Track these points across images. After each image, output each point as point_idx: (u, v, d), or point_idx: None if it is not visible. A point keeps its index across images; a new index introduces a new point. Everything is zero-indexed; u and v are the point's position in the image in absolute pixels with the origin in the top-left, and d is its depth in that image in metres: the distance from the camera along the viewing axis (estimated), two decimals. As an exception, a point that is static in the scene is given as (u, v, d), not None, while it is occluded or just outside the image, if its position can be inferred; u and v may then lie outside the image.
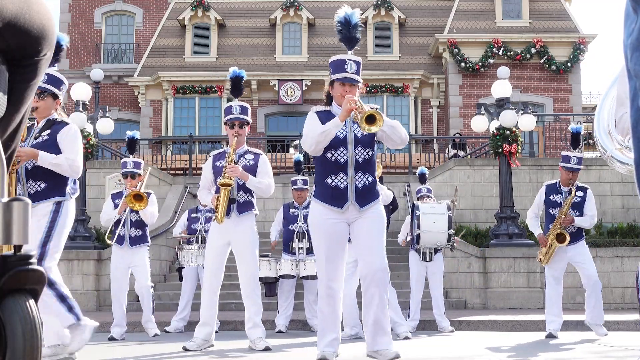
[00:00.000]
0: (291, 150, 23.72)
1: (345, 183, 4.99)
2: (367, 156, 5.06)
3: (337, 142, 5.03)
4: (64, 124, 5.03)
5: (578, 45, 24.32)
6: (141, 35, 27.75)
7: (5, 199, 1.45)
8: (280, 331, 9.04)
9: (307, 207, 9.25)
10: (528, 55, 24.33)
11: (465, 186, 16.30)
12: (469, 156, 19.45)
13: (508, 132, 13.56)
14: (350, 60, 5.07)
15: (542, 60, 24.36)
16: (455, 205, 9.95)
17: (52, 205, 4.87)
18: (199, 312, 6.56)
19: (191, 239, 9.25)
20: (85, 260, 13.18)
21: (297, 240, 9.09)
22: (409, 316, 9.24)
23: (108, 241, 8.20)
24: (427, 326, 9.54)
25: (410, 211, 9.40)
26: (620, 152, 4.42)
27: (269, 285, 9.06)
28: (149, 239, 8.40)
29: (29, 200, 1.48)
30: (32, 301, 1.47)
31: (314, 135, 4.87)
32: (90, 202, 15.18)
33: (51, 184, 4.91)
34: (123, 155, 20.06)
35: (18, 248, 1.46)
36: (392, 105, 25.42)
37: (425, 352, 6.41)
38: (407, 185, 16.73)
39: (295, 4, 26.71)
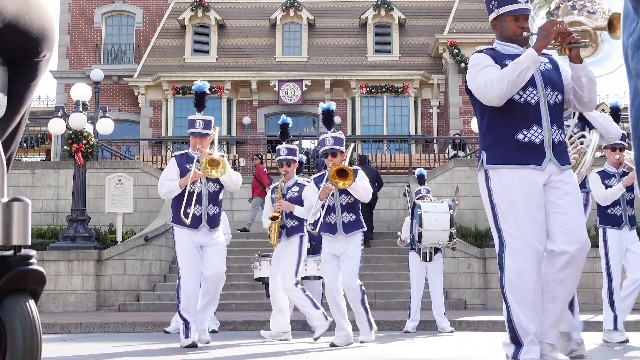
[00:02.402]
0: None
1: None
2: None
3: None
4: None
5: (578, 45, 24.34)
6: (141, 36, 27.75)
7: (5, 199, 1.46)
8: (280, 331, 9.04)
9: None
10: (528, 56, 24.35)
11: (465, 186, 16.29)
12: (469, 156, 19.45)
13: (508, 132, 13.56)
14: None
15: (542, 61, 24.38)
16: (457, 204, 9.94)
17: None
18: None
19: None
20: (85, 261, 13.17)
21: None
22: (409, 316, 9.24)
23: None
24: (427, 326, 9.53)
25: (410, 211, 9.39)
26: None
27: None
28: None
29: (28, 201, 1.48)
30: (32, 301, 1.47)
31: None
32: (90, 203, 15.18)
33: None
34: (123, 155, 20.07)
35: (18, 248, 1.46)
36: (392, 105, 25.42)
37: (425, 352, 6.41)
38: (407, 186, 16.73)
39: (295, 4, 26.72)
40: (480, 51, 4.13)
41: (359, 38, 26.95)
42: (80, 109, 13.57)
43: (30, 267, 1.46)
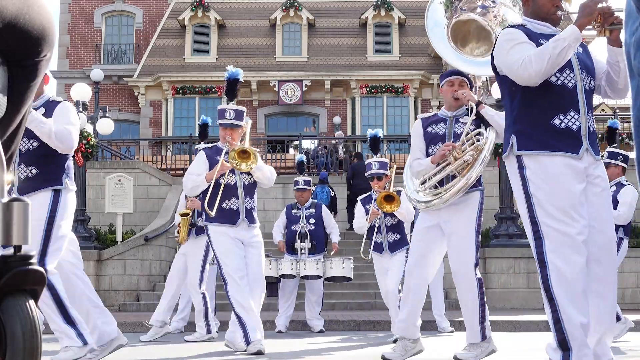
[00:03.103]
0: (291, 150, 23.70)
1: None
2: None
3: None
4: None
5: (578, 45, 24.36)
6: (141, 36, 27.77)
7: (6, 199, 1.45)
8: (280, 331, 9.05)
9: (309, 207, 9.26)
10: (528, 56, 24.39)
11: (465, 186, 16.31)
12: (469, 156, 19.44)
13: (508, 132, 13.55)
14: None
15: (542, 61, 24.40)
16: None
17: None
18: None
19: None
20: (85, 261, 13.11)
21: (299, 240, 9.10)
22: (409, 316, 9.23)
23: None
24: (427, 327, 9.50)
25: (410, 211, 9.38)
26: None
27: (271, 286, 9.05)
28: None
29: (29, 201, 1.48)
30: (32, 301, 1.46)
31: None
32: (90, 203, 15.17)
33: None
34: (123, 155, 20.05)
35: (18, 248, 1.46)
36: (392, 105, 25.42)
37: (424, 352, 6.41)
38: (407, 186, 16.72)
39: (295, 4, 26.73)
40: (513, 26, 3.81)
41: (359, 38, 26.95)
42: (80, 109, 13.58)
43: (30, 267, 1.46)
